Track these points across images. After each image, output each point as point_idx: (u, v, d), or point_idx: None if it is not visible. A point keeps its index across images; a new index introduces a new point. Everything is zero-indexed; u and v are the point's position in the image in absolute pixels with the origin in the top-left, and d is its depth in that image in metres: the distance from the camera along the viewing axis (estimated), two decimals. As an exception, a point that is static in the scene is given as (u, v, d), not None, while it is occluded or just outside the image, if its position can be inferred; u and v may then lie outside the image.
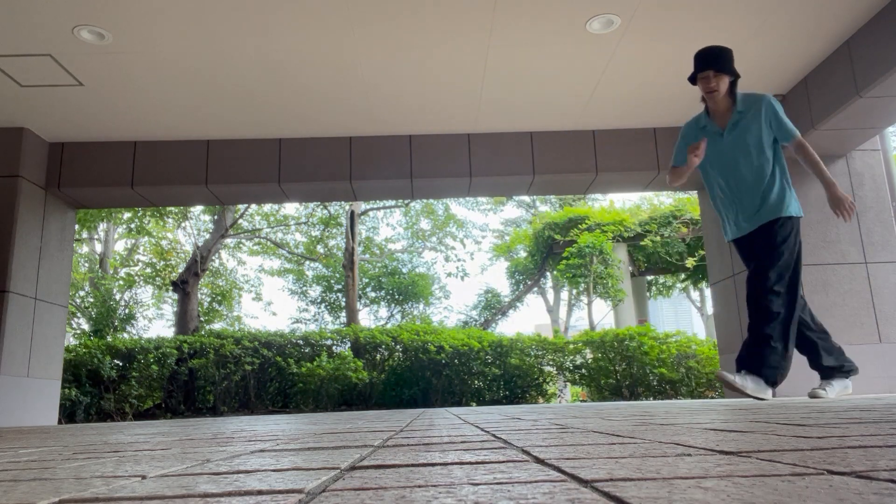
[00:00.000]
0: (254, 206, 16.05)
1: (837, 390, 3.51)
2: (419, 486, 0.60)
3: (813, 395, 3.46)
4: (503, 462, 0.78)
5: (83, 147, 6.22)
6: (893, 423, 1.23)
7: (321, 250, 18.52)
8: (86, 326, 15.36)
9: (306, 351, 8.87)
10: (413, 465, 0.78)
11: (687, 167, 3.47)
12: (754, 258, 3.50)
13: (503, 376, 8.59)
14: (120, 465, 0.95)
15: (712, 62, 3.40)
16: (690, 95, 5.76)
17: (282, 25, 4.54)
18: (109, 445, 1.47)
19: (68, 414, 7.78)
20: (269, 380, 8.58)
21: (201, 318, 15.26)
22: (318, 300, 19.77)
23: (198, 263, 13.05)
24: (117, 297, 16.29)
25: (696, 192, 6.99)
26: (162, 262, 17.03)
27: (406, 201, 17.90)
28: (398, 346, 8.86)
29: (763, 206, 3.47)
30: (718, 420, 1.61)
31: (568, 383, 9.77)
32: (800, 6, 4.49)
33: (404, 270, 20.08)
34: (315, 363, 8.33)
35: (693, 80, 3.51)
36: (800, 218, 3.53)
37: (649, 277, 16.03)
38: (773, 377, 3.37)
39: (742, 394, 3.34)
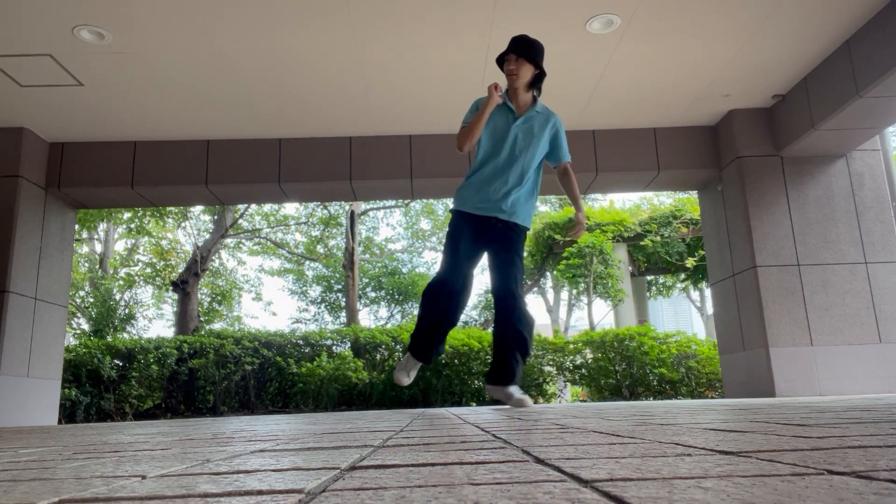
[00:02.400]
0: (254, 206, 16.05)
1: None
2: (419, 486, 0.60)
3: (519, 404, 3.35)
4: (503, 462, 0.78)
5: (83, 147, 6.22)
6: (893, 423, 1.23)
7: (321, 250, 18.52)
8: (86, 326, 15.37)
9: (306, 351, 8.87)
10: (413, 465, 0.78)
11: (486, 106, 3.37)
12: (497, 252, 3.44)
13: (503, 376, 8.57)
14: (120, 465, 0.95)
15: (518, 46, 3.41)
16: (690, 95, 5.76)
17: (282, 25, 4.54)
18: (109, 445, 1.47)
19: (68, 414, 7.78)
20: (269, 380, 8.58)
21: (201, 318, 15.26)
22: (318, 300, 19.77)
23: (198, 263, 13.05)
24: (117, 297, 16.29)
25: (696, 192, 6.99)
26: (162, 262, 17.03)
27: (406, 201, 17.89)
28: (398, 346, 8.85)
29: (515, 207, 3.46)
30: (718, 420, 1.61)
31: (568, 383, 9.77)
32: (800, 6, 4.49)
33: (404, 270, 20.08)
34: (315, 363, 8.33)
35: (500, 62, 3.49)
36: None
37: (649, 277, 16.02)
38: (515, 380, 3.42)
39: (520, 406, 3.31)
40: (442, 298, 3.43)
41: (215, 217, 14.51)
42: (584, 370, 8.93)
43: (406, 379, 3.51)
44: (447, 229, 3.56)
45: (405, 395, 8.40)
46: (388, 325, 15.77)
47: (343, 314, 18.05)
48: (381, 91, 5.51)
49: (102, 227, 17.30)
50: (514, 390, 3.38)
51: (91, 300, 15.66)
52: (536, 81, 3.49)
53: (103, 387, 8.20)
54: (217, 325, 17.25)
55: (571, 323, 20.92)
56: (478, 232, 3.46)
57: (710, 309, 18.58)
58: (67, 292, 6.45)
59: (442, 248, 3.50)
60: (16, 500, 0.60)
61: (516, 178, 3.46)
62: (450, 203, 18.70)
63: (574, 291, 16.53)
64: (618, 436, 1.15)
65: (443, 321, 3.47)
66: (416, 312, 19.29)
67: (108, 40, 4.63)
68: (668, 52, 5.05)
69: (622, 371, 8.47)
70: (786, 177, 5.87)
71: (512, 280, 3.39)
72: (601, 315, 16.31)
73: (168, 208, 15.27)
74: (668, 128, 6.36)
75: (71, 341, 14.10)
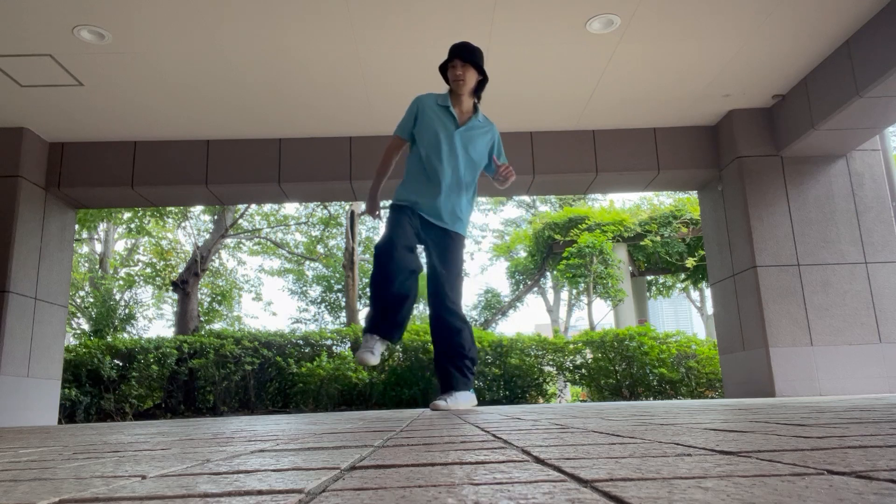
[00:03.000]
0: (254, 206, 16.05)
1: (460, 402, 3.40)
2: (419, 486, 0.60)
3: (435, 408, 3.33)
4: (503, 462, 0.78)
5: (83, 147, 6.22)
6: (893, 423, 1.23)
7: (321, 250, 18.52)
8: (86, 326, 15.37)
9: (306, 351, 8.87)
10: (413, 465, 0.78)
11: (373, 199, 3.61)
12: (436, 260, 3.46)
13: (503, 376, 8.59)
14: (120, 465, 0.95)
15: (462, 52, 3.42)
16: (690, 95, 5.76)
17: (282, 25, 4.54)
18: (109, 445, 1.47)
19: (68, 414, 7.78)
20: (269, 380, 8.58)
21: (201, 318, 15.26)
22: (318, 300, 19.77)
23: (198, 263, 13.05)
24: (117, 297, 16.28)
25: (696, 192, 6.99)
26: (162, 262, 17.03)
27: (406, 201, 17.84)
28: (398, 347, 8.85)
29: (455, 216, 3.49)
30: (718, 420, 1.61)
31: (568, 383, 9.77)
32: (800, 6, 4.49)
33: (404, 270, 20.04)
34: (315, 363, 8.33)
35: (444, 69, 3.49)
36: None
37: (649, 277, 16.03)
38: (470, 387, 3.39)
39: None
40: (394, 262, 3.32)
41: (215, 217, 14.51)
42: (584, 370, 8.94)
43: (372, 357, 3.32)
44: (389, 213, 3.53)
45: (405, 395, 8.40)
46: (388, 325, 15.74)
47: (343, 314, 18.06)
48: (381, 91, 5.51)
49: (102, 227, 17.31)
50: (456, 396, 3.32)
51: (91, 300, 15.66)
52: (479, 88, 3.51)
53: (103, 387, 8.20)
54: (217, 325, 17.25)
55: (571, 323, 20.93)
56: (419, 226, 3.47)
57: (710, 309, 18.59)
58: (67, 292, 6.45)
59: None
60: (16, 500, 0.60)
61: (456, 186, 3.46)
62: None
63: (574, 291, 16.54)
64: (618, 436, 1.15)
65: (400, 289, 3.34)
66: (415, 312, 19.33)
67: (108, 40, 4.63)
68: (668, 52, 5.05)
69: (622, 371, 8.47)
70: (786, 177, 5.87)
71: (449, 287, 3.41)
72: (601, 315, 16.33)
73: (168, 208, 15.28)
74: (668, 128, 6.36)
75: (71, 341, 14.10)
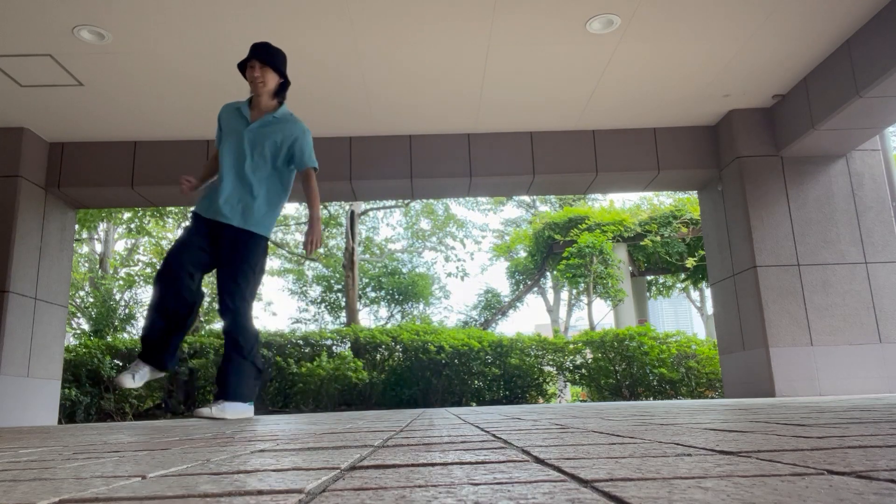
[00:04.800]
0: (254, 206, 16.02)
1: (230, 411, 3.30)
2: (419, 486, 0.60)
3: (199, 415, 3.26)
4: (503, 462, 0.78)
5: (83, 147, 6.22)
6: (893, 423, 1.23)
7: (321, 250, 18.52)
8: (86, 326, 15.36)
9: (306, 351, 8.87)
10: (413, 465, 0.78)
11: (196, 182, 3.49)
12: (222, 260, 3.39)
13: (503, 376, 8.59)
14: (120, 465, 0.95)
15: (261, 53, 3.39)
16: (690, 95, 5.76)
17: (282, 25, 4.54)
18: (109, 445, 1.47)
19: (68, 414, 7.78)
20: (269, 380, 8.58)
21: (201, 318, 15.26)
22: (318, 300, 19.76)
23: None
24: (117, 297, 16.27)
25: (696, 192, 6.99)
26: (162, 263, 16.98)
27: (406, 201, 17.90)
28: (398, 346, 8.85)
29: (246, 213, 3.40)
30: (718, 420, 1.61)
31: (568, 383, 9.77)
32: (800, 6, 4.49)
33: (404, 270, 20.07)
34: (315, 363, 8.33)
35: (242, 67, 3.46)
36: (268, 239, 3.53)
37: (649, 277, 16.02)
38: (250, 393, 3.34)
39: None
40: (164, 286, 3.25)
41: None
42: (584, 370, 8.94)
43: (130, 381, 3.20)
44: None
45: (405, 395, 8.40)
46: (388, 325, 15.77)
47: (343, 314, 18.05)
48: (381, 91, 5.51)
49: (102, 227, 17.30)
50: (225, 406, 3.20)
51: (91, 300, 15.66)
52: (281, 90, 3.50)
53: (103, 387, 8.20)
54: (217, 326, 17.24)
55: (571, 323, 20.92)
56: (209, 235, 3.40)
57: (710, 309, 18.58)
58: (67, 292, 6.44)
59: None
60: (16, 500, 0.60)
61: (241, 184, 3.40)
62: (450, 203, 18.51)
63: (574, 291, 16.54)
64: (618, 436, 1.15)
65: (171, 315, 3.26)
66: (415, 312, 19.34)
67: (108, 40, 4.63)
68: (669, 52, 5.05)
69: (622, 371, 8.47)
70: (786, 177, 5.87)
71: (234, 286, 3.32)
72: (601, 315, 16.32)
73: (168, 208, 15.27)
74: (668, 128, 6.36)
75: (71, 341, 14.09)
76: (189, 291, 3.30)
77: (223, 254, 3.38)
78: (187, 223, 3.48)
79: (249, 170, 3.40)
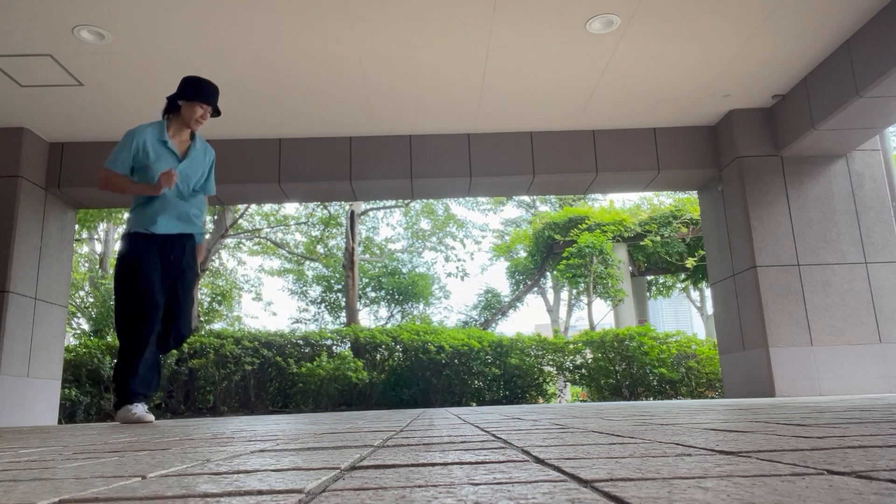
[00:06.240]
0: (254, 206, 16.05)
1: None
2: (419, 486, 0.60)
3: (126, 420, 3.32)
4: (503, 462, 0.78)
5: (83, 147, 6.21)
6: (893, 423, 1.23)
7: (321, 250, 18.52)
8: (86, 326, 15.36)
9: (306, 351, 8.87)
10: (413, 465, 0.78)
11: (146, 188, 3.50)
12: (173, 271, 3.55)
13: (503, 376, 8.59)
14: (120, 465, 0.95)
15: (211, 98, 3.55)
16: (690, 95, 5.76)
17: (282, 25, 4.54)
18: (109, 445, 1.47)
19: (68, 414, 7.78)
20: (269, 380, 8.58)
21: (201, 318, 15.26)
22: (318, 300, 19.77)
23: (198, 263, 13.02)
24: (117, 297, 16.24)
25: (696, 192, 6.99)
26: (162, 262, 16.97)
27: (406, 201, 17.89)
28: (398, 346, 8.85)
29: (189, 220, 3.63)
30: (718, 420, 1.61)
31: (568, 383, 9.77)
32: (800, 6, 4.49)
33: (404, 270, 20.08)
34: (315, 363, 8.33)
35: (174, 100, 3.58)
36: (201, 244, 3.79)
37: (649, 277, 16.02)
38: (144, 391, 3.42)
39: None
40: (146, 321, 3.42)
41: (215, 217, 14.50)
42: (584, 370, 8.94)
43: (145, 414, 3.34)
44: (120, 260, 3.55)
45: (405, 395, 8.40)
46: (388, 325, 15.78)
47: (343, 314, 18.05)
48: (381, 91, 5.51)
49: (102, 227, 17.30)
50: (131, 408, 3.32)
51: (91, 300, 15.66)
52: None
53: (103, 387, 8.20)
54: (217, 325, 17.24)
55: (571, 323, 20.92)
56: (163, 242, 3.55)
57: (710, 309, 18.58)
58: (67, 292, 6.44)
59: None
60: (16, 500, 0.60)
61: (179, 204, 3.60)
62: (450, 203, 18.45)
63: (574, 291, 16.54)
64: (618, 436, 1.15)
65: (152, 340, 3.45)
66: (415, 312, 19.33)
67: (108, 40, 4.63)
68: (668, 52, 5.05)
69: (622, 371, 8.47)
70: (786, 177, 5.87)
71: (186, 315, 3.62)
72: (601, 315, 16.32)
73: (168, 208, 15.22)
74: (668, 128, 6.36)
75: (71, 341, 14.09)
76: (153, 318, 3.49)
77: (184, 257, 3.63)
78: (122, 248, 3.57)
79: (184, 194, 3.62)
